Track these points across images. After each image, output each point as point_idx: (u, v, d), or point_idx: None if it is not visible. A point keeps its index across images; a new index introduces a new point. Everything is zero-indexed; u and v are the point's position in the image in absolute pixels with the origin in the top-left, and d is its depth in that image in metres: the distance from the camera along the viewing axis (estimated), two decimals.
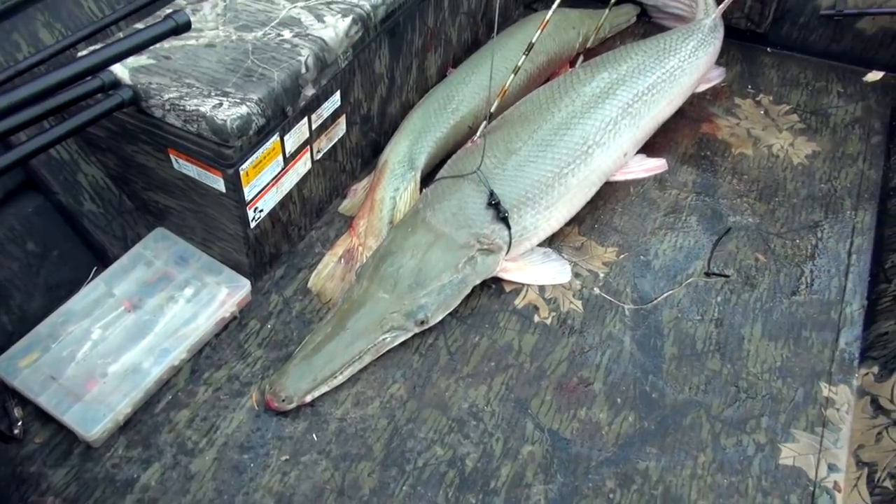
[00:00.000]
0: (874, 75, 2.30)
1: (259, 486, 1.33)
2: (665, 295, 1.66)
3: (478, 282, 1.62)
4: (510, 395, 1.48)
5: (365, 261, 1.62)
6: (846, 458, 1.38)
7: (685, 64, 1.97)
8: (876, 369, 1.47)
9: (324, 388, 1.44)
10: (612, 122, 1.78)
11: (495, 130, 1.79)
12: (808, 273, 1.71)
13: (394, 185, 1.72)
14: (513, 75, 1.77)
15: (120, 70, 1.32)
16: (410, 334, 1.54)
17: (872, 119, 2.13)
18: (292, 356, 1.46)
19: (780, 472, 1.36)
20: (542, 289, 1.68)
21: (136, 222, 1.62)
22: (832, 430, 1.42)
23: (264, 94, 1.33)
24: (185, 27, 1.17)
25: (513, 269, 1.68)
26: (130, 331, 1.47)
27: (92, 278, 1.54)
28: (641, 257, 1.75)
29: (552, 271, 1.70)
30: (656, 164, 1.95)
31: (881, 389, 1.42)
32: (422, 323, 1.52)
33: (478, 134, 1.77)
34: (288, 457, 1.37)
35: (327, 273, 1.64)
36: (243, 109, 1.29)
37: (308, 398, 1.42)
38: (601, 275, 1.71)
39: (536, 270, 1.70)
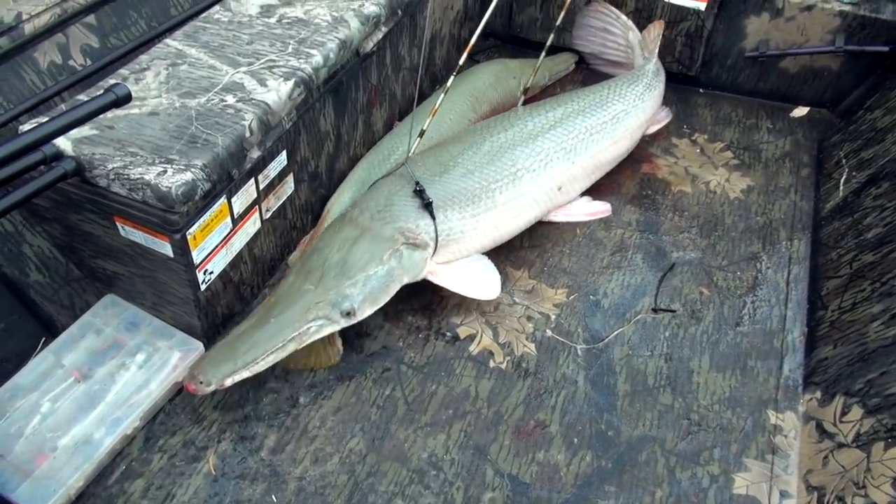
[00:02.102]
0: (800, 111, 2.43)
1: None
2: (615, 333, 1.70)
3: (406, 280, 1.64)
4: (469, 442, 1.49)
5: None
6: (797, 483, 1.41)
7: (630, 107, 2.06)
8: (819, 394, 1.52)
9: (245, 374, 1.43)
10: (543, 153, 1.85)
11: (428, 150, 1.87)
12: (751, 304, 1.77)
13: None
14: (442, 94, 1.83)
15: (62, 142, 1.33)
16: (338, 326, 1.54)
17: (801, 153, 2.23)
18: (216, 342, 1.48)
19: (734, 503, 1.39)
20: (495, 334, 1.70)
21: (84, 290, 1.61)
22: (782, 457, 1.46)
23: (209, 160, 1.35)
24: (125, 99, 1.19)
25: (441, 273, 1.70)
26: (80, 402, 1.45)
27: (40, 350, 1.52)
28: (591, 297, 1.79)
29: (480, 283, 1.73)
30: (600, 209, 2.02)
31: (825, 414, 1.47)
32: (348, 314, 1.53)
33: (411, 148, 1.84)
34: None
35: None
36: (188, 176, 1.31)
37: (228, 382, 1.41)
38: (552, 316, 1.74)
39: (465, 278, 1.73)
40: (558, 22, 2.20)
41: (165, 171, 1.31)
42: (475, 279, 1.74)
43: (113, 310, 1.60)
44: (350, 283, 1.54)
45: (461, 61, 1.79)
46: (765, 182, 2.13)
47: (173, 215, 1.32)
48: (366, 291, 1.56)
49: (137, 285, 1.55)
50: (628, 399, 1.57)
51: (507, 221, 1.82)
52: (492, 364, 1.64)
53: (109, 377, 1.49)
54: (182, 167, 1.32)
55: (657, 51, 2.27)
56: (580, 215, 1.99)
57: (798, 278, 1.82)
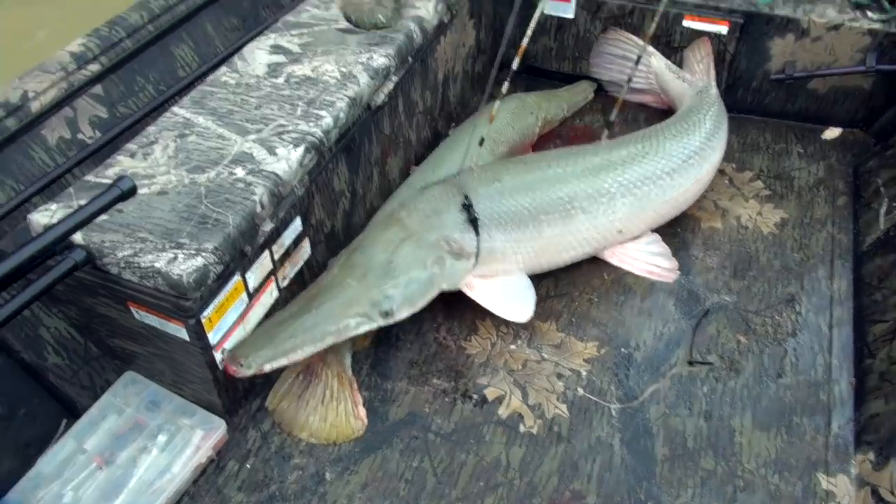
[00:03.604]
0: (832, 132, 2.33)
1: None
2: (650, 390, 1.63)
3: (444, 287, 1.65)
4: None
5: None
6: None
7: (712, 140, 1.97)
8: (872, 455, 1.44)
9: (283, 361, 1.45)
10: (607, 195, 1.78)
11: (492, 165, 1.87)
12: (792, 352, 1.69)
13: None
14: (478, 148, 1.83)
15: None
16: (375, 325, 1.56)
17: (836, 179, 2.14)
18: (256, 328, 1.50)
19: None
20: (524, 394, 1.64)
21: (103, 368, 1.58)
22: None
23: (220, 242, 1.31)
24: (130, 193, 1.16)
25: (477, 287, 1.70)
26: (104, 489, 1.41)
27: (62, 433, 1.49)
28: (622, 350, 1.72)
29: (514, 303, 1.70)
30: (665, 269, 1.86)
31: (880, 479, 1.39)
32: (386, 314, 1.55)
33: (469, 158, 1.83)
34: None
35: (284, 390, 1.60)
36: (199, 261, 1.27)
37: (267, 367, 1.43)
38: (583, 373, 1.68)
39: (500, 296, 1.71)
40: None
41: (176, 258, 1.27)
42: (509, 298, 1.72)
43: (133, 388, 1.56)
44: (392, 283, 1.56)
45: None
46: (799, 214, 2.04)
47: (186, 301, 1.29)
48: (406, 294, 1.58)
49: (156, 364, 1.52)
50: (668, 464, 1.50)
51: (552, 255, 1.80)
52: (522, 429, 1.58)
53: (132, 461, 1.45)
54: (193, 252, 1.28)
55: (713, 72, 2.21)
56: (639, 269, 1.87)
57: (841, 321, 1.73)
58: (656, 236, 1.93)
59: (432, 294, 1.63)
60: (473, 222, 1.67)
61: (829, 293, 1.80)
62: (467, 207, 1.68)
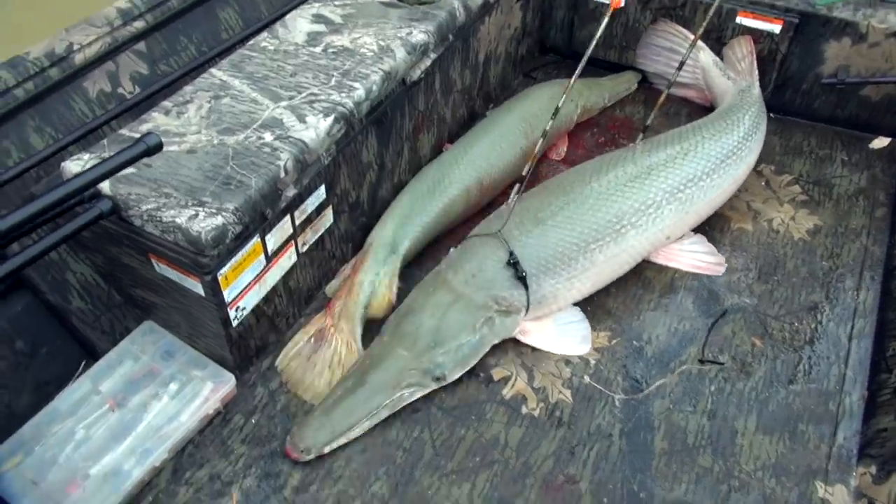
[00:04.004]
0: (881, 142, 2.26)
1: None
2: (657, 384, 1.62)
3: (496, 341, 1.64)
4: (494, 493, 1.45)
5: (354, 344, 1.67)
6: None
7: (750, 140, 1.94)
8: (874, 469, 1.41)
9: (342, 440, 1.48)
10: (654, 206, 1.75)
11: (531, 196, 1.81)
12: (807, 360, 1.66)
13: (374, 269, 1.73)
14: (542, 140, 1.78)
15: None
16: (428, 390, 1.57)
17: (877, 190, 2.08)
18: (314, 409, 1.52)
19: None
20: (531, 377, 1.65)
21: (124, 316, 1.64)
22: None
23: (241, 203, 1.35)
24: (156, 149, 1.20)
25: (531, 333, 1.69)
26: (114, 430, 1.48)
27: (80, 374, 1.56)
28: (634, 342, 1.72)
29: (572, 342, 1.70)
30: (712, 264, 1.86)
31: (878, 493, 1.36)
32: (438, 380, 1.56)
33: (511, 198, 1.78)
34: None
35: (295, 352, 1.65)
36: (219, 220, 1.31)
37: (326, 450, 1.47)
38: (592, 361, 1.68)
39: (556, 336, 1.70)
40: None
41: (197, 215, 1.31)
42: (566, 336, 1.71)
43: (150, 337, 1.63)
44: (443, 351, 1.57)
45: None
46: (834, 222, 1.99)
47: (203, 258, 1.33)
48: (457, 359, 1.58)
49: (173, 316, 1.57)
50: (665, 458, 1.49)
51: (606, 276, 1.77)
52: (524, 410, 1.59)
53: (142, 407, 1.51)
54: (214, 211, 1.32)
55: (756, 72, 2.16)
56: (686, 265, 1.85)
57: (862, 334, 1.69)
58: (700, 236, 1.91)
59: (483, 351, 1.62)
60: (522, 278, 1.63)
61: (854, 305, 1.76)
62: (513, 264, 1.64)
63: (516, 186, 1.79)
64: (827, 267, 1.86)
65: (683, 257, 1.85)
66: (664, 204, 1.76)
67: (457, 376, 1.59)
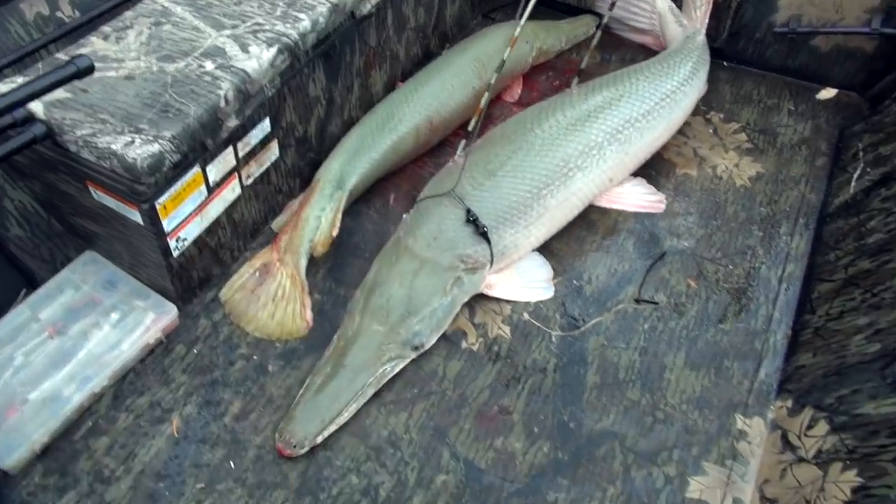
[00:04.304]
0: (827, 93, 2.30)
1: None
2: (593, 322, 1.67)
3: (466, 299, 1.65)
4: (430, 423, 1.50)
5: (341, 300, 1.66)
6: (752, 492, 1.40)
7: (686, 86, 1.97)
8: (790, 403, 1.48)
9: (333, 428, 1.44)
10: (596, 147, 1.78)
11: (477, 150, 1.81)
12: (737, 300, 1.72)
13: (321, 204, 1.73)
14: (487, 94, 1.82)
15: (35, 104, 1.33)
16: (409, 360, 1.56)
17: (820, 140, 2.12)
18: (296, 401, 1.47)
19: None
20: (472, 313, 1.69)
21: (65, 245, 1.63)
22: (742, 464, 1.44)
23: (179, 131, 1.34)
24: (87, 71, 1.18)
25: (497, 284, 1.71)
26: (53, 357, 1.49)
27: (19, 302, 1.56)
28: (574, 282, 1.76)
29: (537, 285, 1.73)
30: (653, 202, 1.91)
31: (791, 424, 1.44)
32: (417, 348, 1.55)
33: (457, 153, 1.78)
34: (203, 485, 1.40)
35: (239, 284, 1.66)
36: (155, 147, 1.30)
37: (319, 439, 1.42)
38: (532, 300, 1.72)
39: (521, 286, 1.72)
40: None
41: (133, 142, 1.30)
42: (530, 283, 1.73)
43: (92, 267, 1.62)
44: (418, 319, 1.56)
45: None
46: (775, 170, 2.04)
47: (140, 186, 1.32)
48: (433, 324, 1.58)
49: (114, 245, 1.57)
50: (595, 391, 1.55)
51: (559, 220, 1.79)
52: (464, 345, 1.63)
53: (83, 335, 1.52)
54: (150, 138, 1.31)
55: (707, 21, 2.18)
56: (629, 206, 1.90)
57: (792, 277, 1.76)
58: (640, 178, 1.96)
59: (456, 312, 1.62)
60: (484, 234, 1.64)
61: (787, 250, 1.82)
62: (473, 221, 1.65)
63: (462, 143, 1.79)
64: (765, 213, 1.92)
65: (626, 198, 1.89)
66: (606, 145, 1.79)
67: (434, 342, 1.59)
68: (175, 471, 1.41)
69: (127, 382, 1.52)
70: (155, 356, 1.57)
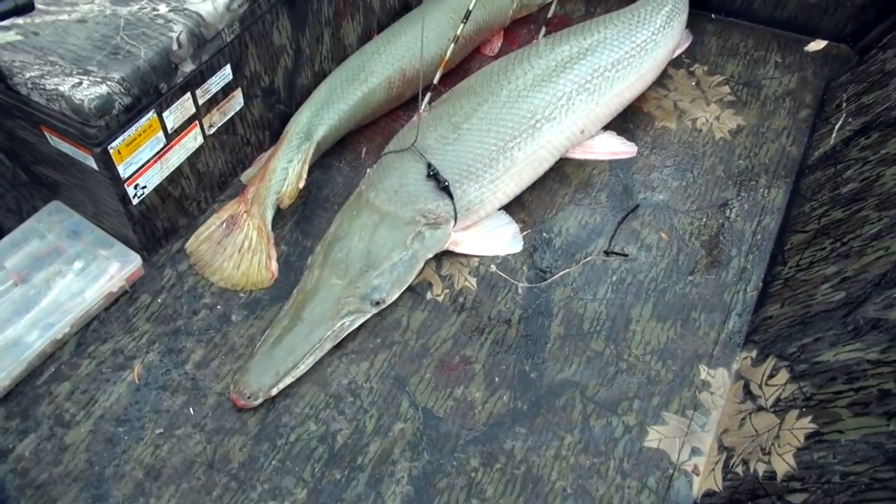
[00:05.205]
0: (816, 45, 2.24)
1: (130, 459, 1.36)
2: (560, 274, 1.65)
3: (429, 255, 1.63)
4: (391, 372, 1.50)
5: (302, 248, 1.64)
6: (711, 442, 1.38)
7: (658, 36, 1.92)
8: (754, 354, 1.46)
9: (288, 380, 1.43)
10: (564, 97, 1.74)
11: (442, 103, 1.78)
12: (708, 252, 1.69)
13: (288, 156, 1.71)
14: (452, 45, 1.78)
15: None
16: (368, 315, 1.54)
17: (805, 92, 2.07)
18: (253, 352, 1.47)
19: (642, 455, 1.38)
20: (439, 265, 1.68)
21: (31, 195, 1.63)
22: (702, 414, 1.43)
23: (128, 73, 1.32)
24: (26, 8, 1.16)
25: (463, 241, 1.68)
26: (17, 304, 1.49)
27: None
28: (544, 234, 1.74)
29: (504, 241, 1.71)
30: (624, 150, 1.90)
31: (754, 374, 1.42)
32: (377, 303, 1.53)
33: (421, 107, 1.75)
34: (162, 430, 1.40)
35: (206, 235, 1.65)
36: (103, 89, 1.29)
37: (274, 391, 1.42)
38: (501, 254, 1.70)
39: (489, 242, 1.70)
40: None
41: (81, 83, 1.29)
42: (497, 239, 1.71)
43: (57, 216, 1.62)
44: (377, 273, 1.53)
45: None
46: (757, 123, 1.99)
47: (90, 129, 1.31)
48: (393, 279, 1.55)
49: (77, 194, 1.57)
50: (559, 342, 1.54)
51: (528, 175, 1.75)
52: (429, 296, 1.62)
53: (46, 283, 1.53)
54: (98, 80, 1.30)
55: None
56: (602, 154, 1.87)
57: (767, 230, 1.72)
58: (611, 132, 1.92)
59: (419, 267, 1.60)
60: (446, 190, 1.60)
61: (763, 202, 1.79)
62: (433, 175, 1.61)
63: (428, 95, 1.76)
64: (743, 166, 1.88)
65: (597, 147, 1.86)
66: (574, 95, 1.75)
67: (395, 297, 1.57)
68: (135, 416, 1.42)
69: (90, 330, 1.53)
70: (119, 305, 1.57)
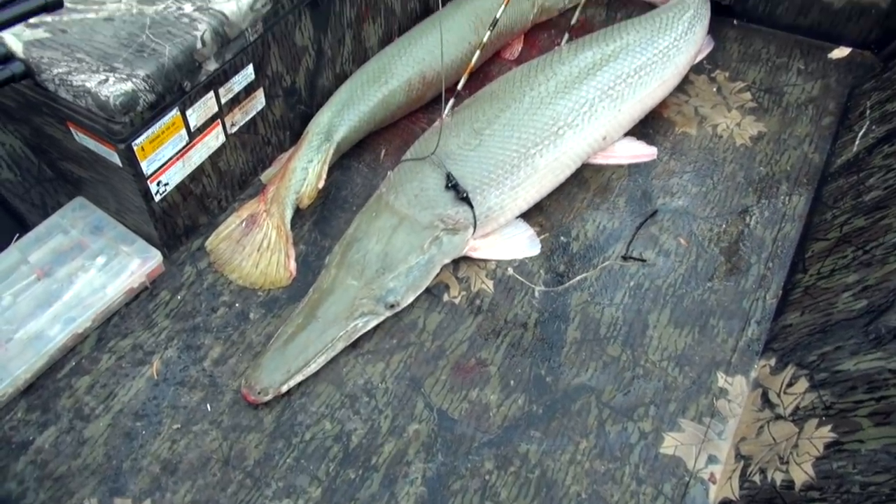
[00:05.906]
0: (840, 52, 2.22)
1: (147, 453, 1.38)
2: (577, 278, 1.65)
3: (446, 261, 1.63)
4: (406, 373, 1.50)
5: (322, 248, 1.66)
6: (728, 450, 1.37)
7: (681, 42, 1.91)
8: (773, 362, 1.45)
9: (298, 378, 1.44)
10: (587, 104, 1.73)
11: (464, 109, 1.78)
12: (728, 259, 1.68)
13: (308, 156, 1.73)
14: (478, 52, 1.79)
15: (14, 43, 1.34)
16: (382, 318, 1.54)
17: (829, 99, 2.05)
18: (265, 348, 1.47)
19: (658, 462, 1.37)
20: (455, 267, 1.68)
21: (56, 191, 1.66)
22: (720, 421, 1.41)
23: (153, 70, 1.34)
24: (55, 5, 1.18)
25: (482, 248, 1.68)
26: (39, 298, 1.51)
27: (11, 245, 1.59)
28: (562, 238, 1.73)
29: (522, 245, 1.71)
30: (645, 152, 1.89)
31: (773, 382, 1.41)
32: (392, 306, 1.53)
33: (444, 112, 1.75)
34: (180, 425, 1.42)
35: (226, 234, 1.66)
36: (128, 86, 1.30)
37: (284, 388, 1.42)
38: (519, 256, 1.70)
39: (506, 247, 1.70)
40: None
41: (107, 80, 1.31)
42: (515, 244, 1.71)
43: (81, 212, 1.64)
44: (393, 276, 1.53)
45: None
46: (779, 129, 1.97)
47: (115, 125, 1.33)
48: (409, 282, 1.55)
49: (101, 190, 1.59)
50: (575, 347, 1.53)
51: (549, 182, 1.75)
52: (446, 298, 1.62)
53: (69, 278, 1.55)
54: (124, 77, 1.32)
55: None
56: (623, 158, 1.87)
57: (787, 237, 1.71)
58: (631, 137, 1.92)
59: (435, 272, 1.59)
60: (466, 199, 1.59)
61: (784, 210, 1.77)
62: (453, 186, 1.60)
63: (451, 101, 1.77)
64: (764, 172, 1.86)
65: (617, 151, 1.85)
66: (597, 101, 1.74)
67: (410, 300, 1.56)
68: (153, 411, 1.43)
69: (111, 325, 1.55)
70: (140, 301, 1.59)
